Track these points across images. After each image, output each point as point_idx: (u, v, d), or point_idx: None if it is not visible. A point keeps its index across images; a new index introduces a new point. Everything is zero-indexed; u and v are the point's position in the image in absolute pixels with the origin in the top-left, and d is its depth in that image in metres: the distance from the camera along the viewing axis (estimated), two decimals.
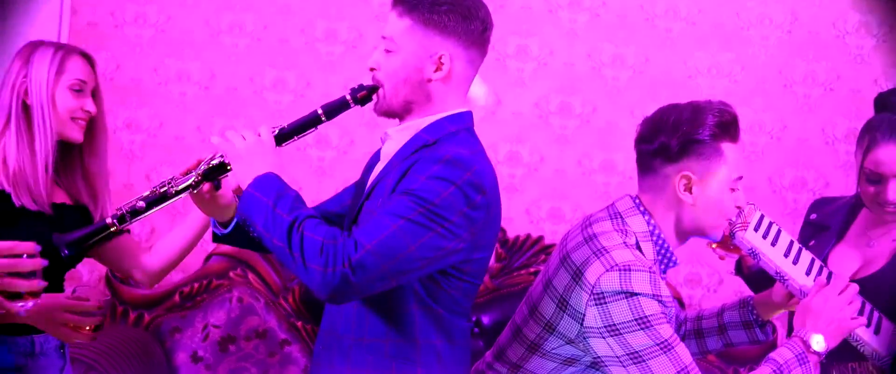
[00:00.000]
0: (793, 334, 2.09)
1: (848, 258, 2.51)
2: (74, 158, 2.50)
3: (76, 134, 2.43)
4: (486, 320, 3.76)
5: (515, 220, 3.97)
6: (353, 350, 2.03)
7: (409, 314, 1.99)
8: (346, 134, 3.97)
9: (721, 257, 2.56)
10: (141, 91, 4.01)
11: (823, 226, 2.60)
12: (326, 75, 3.98)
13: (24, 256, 2.05)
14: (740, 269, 2.65)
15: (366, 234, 1.85)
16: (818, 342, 2.05)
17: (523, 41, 4.00)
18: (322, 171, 3.99)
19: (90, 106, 2.42)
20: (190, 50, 4.01)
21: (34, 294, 2.08)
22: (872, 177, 2.40)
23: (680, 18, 4.00)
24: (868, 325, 2.21)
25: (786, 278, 2.18)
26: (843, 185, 3.89)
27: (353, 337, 2.04)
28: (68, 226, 2.28)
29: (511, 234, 3.86)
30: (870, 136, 2.40)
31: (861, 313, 2.21)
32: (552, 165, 4.01)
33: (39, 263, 2.06)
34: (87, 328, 2.21)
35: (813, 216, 2.66)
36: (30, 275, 2.07)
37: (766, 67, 4.00)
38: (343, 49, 4.00)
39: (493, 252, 3.76)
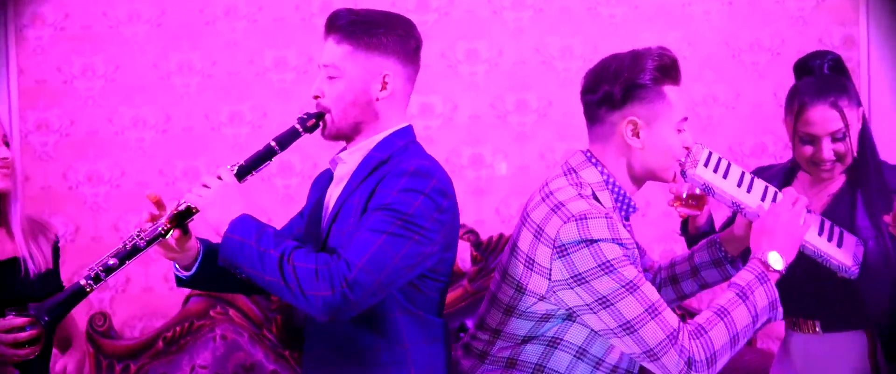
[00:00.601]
0: (750, 256, 2.13)
1: None
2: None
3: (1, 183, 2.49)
4: (469, 323, 3.77)
5: (487, 222, 4.00)
6: (345, 365, 2.09)
7: (394, 320, 2.07)
8: (308, 159, 3.98)
9: (682, 216, 2.61)
10: (98, 143, 4.00)
11: None
12: (281, 103, 3.99)
13: (26, 329, 2.24)
14: (685, 229, 2.70)
15: (354, 253, 1.94)
16: (776, 260, 2.09)
17: (471, 45, 4.03)
18: (289, 198, 3.99)
19: (5, 152, 2.48)
20: (142, 95, 4.01)
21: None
22: (806, 138, 2.48)
23: (622, 4, 4.04)
24: (830, 240, 2.26)
25: (742, 207, 2.23)
26: None
27: (343, 353, 2.10)
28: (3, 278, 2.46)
29: (484, 236, 3.88)
30: (798, 100, 2.47)
31: (821, 229, 2.26)
32: (515, 162, 4.04)
33: (33, 333, 2.24)
34: (24, 345, 2.27)
35: None
36: (24, 344, 2.26)
37: (712, 40, 4.05)
38: (294, 75, 4.01)
39: (469, 255, 3.82)
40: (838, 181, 2.54)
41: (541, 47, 4.04)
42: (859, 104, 2.50)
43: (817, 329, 2.54)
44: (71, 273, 3.93)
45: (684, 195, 2.58)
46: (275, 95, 4.01)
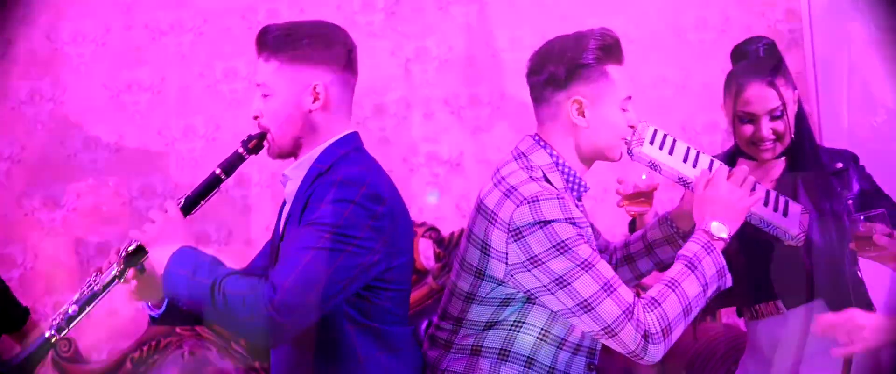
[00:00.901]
0: (695, 227, 2.17)
1: None
2: None
3: None
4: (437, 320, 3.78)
5: (447, 218, 4.00)
6: None
7: (346, 335, 2.04)
8: (265, 169, 3.96)
9: (632, 215, 2.64)
10: (52, 166, 3.95)
11: None
12: (234, 114, 3.97)
13: None
14: (634, 229, 2.73)
15: (281, 274, 1.90)
16: (719, 229, 2.13)
17: (420, 43, 4.04)
18: (247, 208, 3.97)
19: None
20: (93, 116, 3.97)
21: None
22: (745, 118, 2.53)
23: None
24: (775, 210, 2.30)
25: (688, 182, 2.26)
26: None
27: (300, 371, 2.07)
28: None
29: (445, 232, 3.88)
30: (736, 82, 2.54)
31: (767, 201, 2.30)
32: (473, 157, 4.04)
33: None
34: None
35: None
36: None
37: (658, 22, 4.08)
38: (245, 85, 3.99)
39: (432, 253, 3.83)
40: (779, 167, 2.59)
41: (490, 40, 4.05)
42: (795, 87, 2.56)
43: (780, 309, 2.56)
44: (33, 301, 3.89)
45: (631, 192, 2.60)
46: (227, 106, 3.99)
